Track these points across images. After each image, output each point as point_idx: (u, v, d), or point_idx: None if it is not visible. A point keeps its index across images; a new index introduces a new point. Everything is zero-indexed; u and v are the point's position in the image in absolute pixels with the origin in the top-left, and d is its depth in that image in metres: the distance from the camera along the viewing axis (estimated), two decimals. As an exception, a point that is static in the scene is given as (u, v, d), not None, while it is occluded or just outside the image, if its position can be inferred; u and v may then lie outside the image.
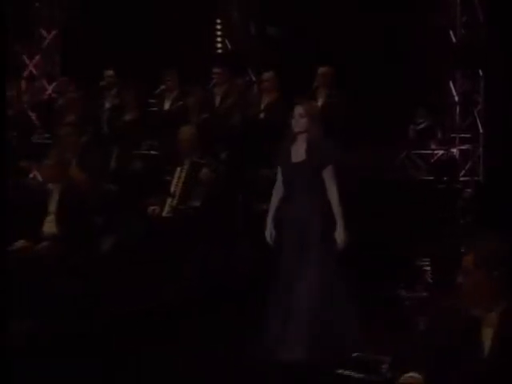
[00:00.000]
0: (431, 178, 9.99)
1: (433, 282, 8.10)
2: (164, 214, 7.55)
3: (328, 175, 5.24)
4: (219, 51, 11.64)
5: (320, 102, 8.84)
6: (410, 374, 3.41)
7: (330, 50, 9.95)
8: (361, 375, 4.63)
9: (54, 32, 11.20)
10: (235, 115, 9.05)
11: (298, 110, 5.33)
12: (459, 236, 8.92)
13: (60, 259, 6.69)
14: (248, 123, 8.87)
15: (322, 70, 9.06)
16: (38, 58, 11.30)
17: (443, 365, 3.66)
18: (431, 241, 8.79)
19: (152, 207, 7.54)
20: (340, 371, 4.69)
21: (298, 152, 5.31)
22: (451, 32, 10.08)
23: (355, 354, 5.39)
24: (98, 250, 7.27)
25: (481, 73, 10.07)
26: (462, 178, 10.01)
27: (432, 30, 10.21)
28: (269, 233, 5.47)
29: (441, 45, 10.22)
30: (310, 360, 5.12)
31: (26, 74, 11.19)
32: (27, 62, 11.28)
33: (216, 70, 9.66)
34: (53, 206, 6.71)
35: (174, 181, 7.56)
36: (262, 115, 9.11)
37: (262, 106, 9.11)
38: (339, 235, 5.23)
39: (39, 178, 8.65)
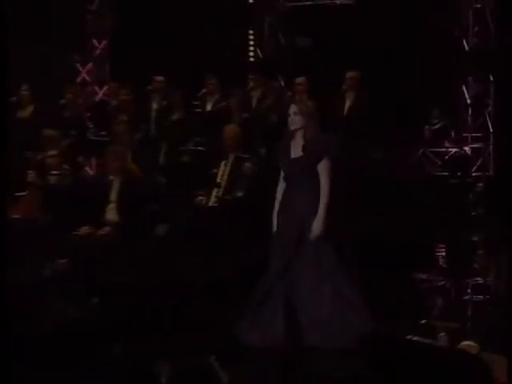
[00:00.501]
0: (446, 173, 10.04)
1: (447, 266, 8.21)
2: (210, 203, 7.62)
3: (322, 168, 5.11)
4: (251, 59, 11.75)
5: (348, 104, 9.10)
6: (467, 342, 3.60)
7: (355, 57, 9.89)
8: (428, 341, 4.56)
9: (104, 42, 11.32)
10: (272, 115, 9.03)
11: (293, 108, 5.24)
12: (471, 226, 9.34)
13: (120, 244, 6.81)
14: (284, 122, 8.84)
15: (350, 74, 9.12)
16: (90, 65, 11.45)
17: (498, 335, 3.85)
18: (445, 231, 8.91)
19: (199, 197, 7.62)
20: (409, 337, 4.61)
21: (296, 148, 5.19)
22: (464, 41, 10.17)
23: (424, 321, 5.52)
24: (153, 235, 7.35)
25: (491, 78, 10.17)
26: (473, 174, 10.08)
27: (447, 39, 10.26)
28: (275, 225, 5.32)
29: (454, 52, 10.26)
30: (324, 346, 4.93)
31: (79, 79, 11.35)
32: (81, 69, 11.42)
33: (252, 75, 9.85)
34: (114, 196, 6.86)
35: (220, 173, 7.65)
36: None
37: (296, 107, 9.25)
38: (316, 225, 5.05)
39: (90, 171, 9.02)
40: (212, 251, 7.43)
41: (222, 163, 7.72)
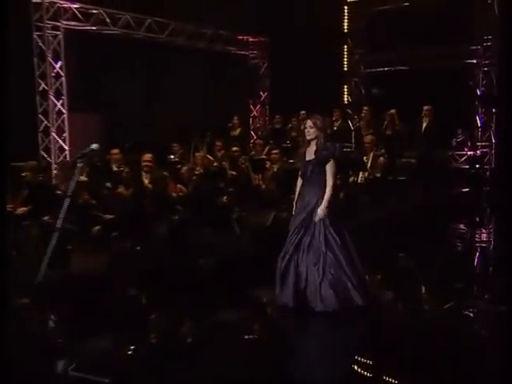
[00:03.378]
0: (466, 166, 10.37)
1: (469, 219, 8.60)
2: (358, 180, 7.98)
3: (329, 167, 4.46)
4: (346, 102, 12.15)
5: (424, 125, 9.31)
6: None
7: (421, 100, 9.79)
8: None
9: (265, 93, 11.89)
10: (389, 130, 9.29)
11: (308, 123, 4.58)
12: (483, 197, 9.89)
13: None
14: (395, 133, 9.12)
15: (426, 107, 9.30)
16: (258, 107, 11.93)
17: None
18: (468, 199, 9.49)
19: (352, 177, 7.93)
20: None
21: (310, 153, 4.55)
22: (477, 89, 10.46)
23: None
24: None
25: (493, 111, 10.44)
26: (484, 167, 10.36)
27: (466, 88, 10.58)
28: (294, 208, 4.67)
29: (471, 96, 10.53)
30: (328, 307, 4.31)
31: (252, 115, 11.93)
32: (253, 109, 11.92)
33: (366, 108, 10.11)
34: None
35: (368, 163, 8.04)
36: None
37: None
38: (319, 211, 4.41)
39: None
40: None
41: (366, 157, 8.02)
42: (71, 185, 4.27)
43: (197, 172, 7.51)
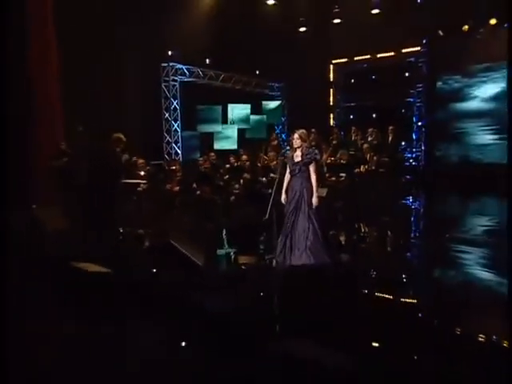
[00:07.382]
0: (407, 164, 11.69)
1: (416, 196, 9.91)
2: (361, 170, 9.01)
3: (312, 168, 4.78)
4: (332, 124, 13.54)
5: (390, 138, 10.53)
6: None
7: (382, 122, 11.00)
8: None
9: (285, 118, 14.39)
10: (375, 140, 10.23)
11: (295, 135, 4.87)
12: (419, 180, 10.97)
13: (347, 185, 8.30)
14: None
15: (390, 127, 10.47)
16: (280, 127, 14.46)
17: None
18: (412, 182, 10.78)
19: (357, 169, 8.98)
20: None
21: (297, 156, 4.86)
22: (414, 117, 12.26)
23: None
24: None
25: (423, 130, 11.82)
26: (419, 164, 11.74)
27: (407, 116, 12.06)
28: (283, 197, 5.00)
29: (410, 121, 12.04)
30: (306, 264, 4.75)
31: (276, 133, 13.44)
32: (276, 128, 14.07)
33: (354, 127, 11.24)
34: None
35: (368, 160, 9.17)
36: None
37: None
38: (314, 200, 4.80)
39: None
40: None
41: (367, 156, 9.29)
42: (277, 171, 5.23)
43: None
